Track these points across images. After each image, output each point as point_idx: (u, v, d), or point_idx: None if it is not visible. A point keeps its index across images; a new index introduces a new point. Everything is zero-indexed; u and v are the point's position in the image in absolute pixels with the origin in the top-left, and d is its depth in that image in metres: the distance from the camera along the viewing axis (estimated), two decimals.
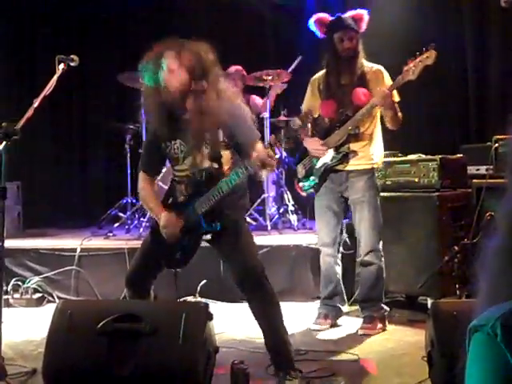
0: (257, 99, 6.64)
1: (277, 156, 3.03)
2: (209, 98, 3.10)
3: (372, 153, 4.20)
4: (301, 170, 4.35)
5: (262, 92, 6.51)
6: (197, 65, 3.12)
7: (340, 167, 4.17)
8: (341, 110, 4.12)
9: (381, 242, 4.21)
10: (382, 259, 4.21)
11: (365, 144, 4.17)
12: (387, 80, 4.15)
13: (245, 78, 6.43)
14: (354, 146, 4.13)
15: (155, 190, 3.43)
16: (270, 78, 6.19)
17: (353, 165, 4.16)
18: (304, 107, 4.34)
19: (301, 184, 4.35)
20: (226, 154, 3.20)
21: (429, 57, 3.80)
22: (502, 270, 0.95)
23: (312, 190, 4.31)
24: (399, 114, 4.07)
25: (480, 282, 1.00)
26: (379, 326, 4.17)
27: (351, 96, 4.08)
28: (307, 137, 4.26)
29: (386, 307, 4.28)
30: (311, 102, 4.30)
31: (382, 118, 4.20)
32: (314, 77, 4.36)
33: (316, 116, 4.28)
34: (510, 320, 0.86)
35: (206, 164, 3.18)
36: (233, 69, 6.37)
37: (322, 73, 4.30)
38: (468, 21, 6.71)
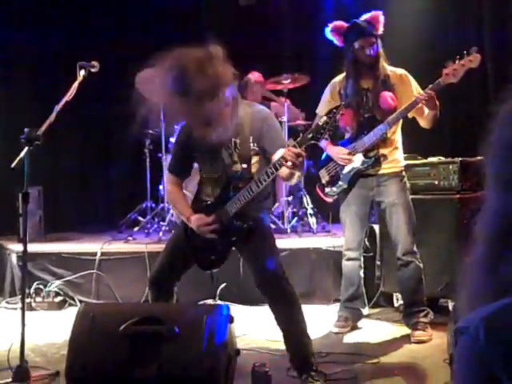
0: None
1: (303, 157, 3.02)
2: (240, 106, 3.19)
3: (399, 157, 4.19)
4: (325, 176, 4.24)
5: (280, 96, 6.53)
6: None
7: (371, 171, 4.11)
8: (366, 114, 4.05)
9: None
10: (420, 260, 4.14)
11: (392, 148, 4.13)
12: (414, 84, 4.08)
13: (264, 84, 6.47)
14: (382, 151, 4.08)
15: (182, 193, 3.44)
16: (288, 81, 6.22)
17: (384, 168, 4.10)
18: (321, 111, 4.08)
19: (326, 190, 4.23)
20: (254, 159, 3.23)
21: (472, 60, 3.71)
22: (481, 280, 0.99)
23: (337, 196, 4.23)
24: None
25: (461, 289, 1.04)
26: (431, 331, 4.05)
27: (377, 100, 4.02)
28: (329, 144, 4.17)
29: (431, 311, 4.19)
30: (331, 105, 4.07)
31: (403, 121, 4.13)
32: (335, 80, 4.24)
33: None
34: (491, 323, 0.91)
35: (235, 166, 3.21)
36: (252, 77, 6.41)
37: (342, 76, 4.20)
38: (487, 21, 6.67)
